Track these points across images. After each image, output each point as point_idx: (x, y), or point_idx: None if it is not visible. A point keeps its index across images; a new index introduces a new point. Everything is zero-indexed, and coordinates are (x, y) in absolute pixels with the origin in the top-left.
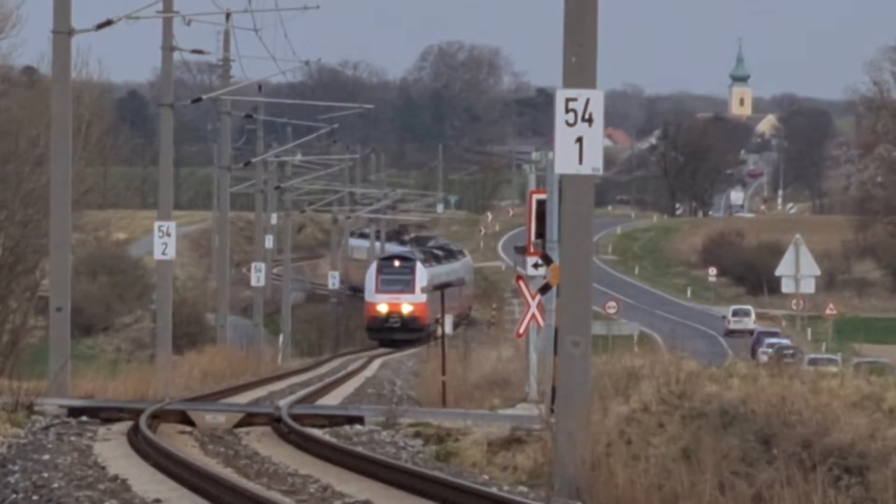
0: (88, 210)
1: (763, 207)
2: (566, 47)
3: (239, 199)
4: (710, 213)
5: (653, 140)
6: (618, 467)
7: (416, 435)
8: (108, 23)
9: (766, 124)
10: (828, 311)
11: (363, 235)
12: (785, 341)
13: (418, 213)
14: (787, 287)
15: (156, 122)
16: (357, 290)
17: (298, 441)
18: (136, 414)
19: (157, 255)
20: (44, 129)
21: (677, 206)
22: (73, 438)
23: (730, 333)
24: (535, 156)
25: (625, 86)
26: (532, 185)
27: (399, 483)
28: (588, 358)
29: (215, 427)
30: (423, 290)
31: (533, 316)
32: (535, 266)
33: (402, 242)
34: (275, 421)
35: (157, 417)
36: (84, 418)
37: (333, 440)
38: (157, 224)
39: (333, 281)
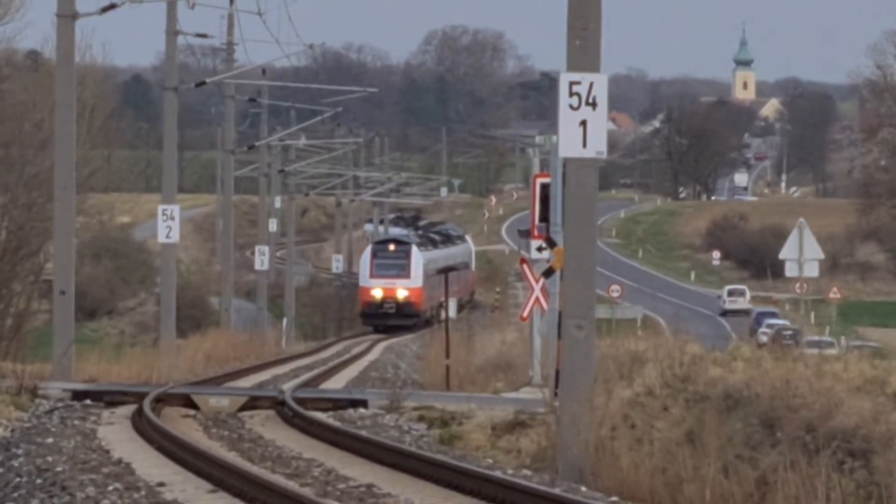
0: (92, 193)
1: (767, 191)
2: (570, 31)
3: (243, 183)
4: (715, 196)
5: (656, 124)
6: (622, 451)
7: (420, 418)
8: (112, 6)
9: (770, 108)
10: (831, 295)
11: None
12: (784, 322)
13: (422, 197)
14: (790, 271)
15: (160, 106)
16: None
17: (302, 425)
18: (139, 397)
19: (161, 239)
20: (48, 113)
21: (681, 189)
22: (76, 422)
23: (725, 313)
24: (538, 139)
25: (629, 70)
26: (536, 169)
27: (403, 466)
28: (592, 341)
29: (219, 411)
30: (419, 275)
31: (537, 299)
32: (539, 249)
33: (416, 228)
34: (279, 404)
35: (161, 401)
36: (88, 402)
37: (337, 424)
38: (160, 207)
39: (337, 264)
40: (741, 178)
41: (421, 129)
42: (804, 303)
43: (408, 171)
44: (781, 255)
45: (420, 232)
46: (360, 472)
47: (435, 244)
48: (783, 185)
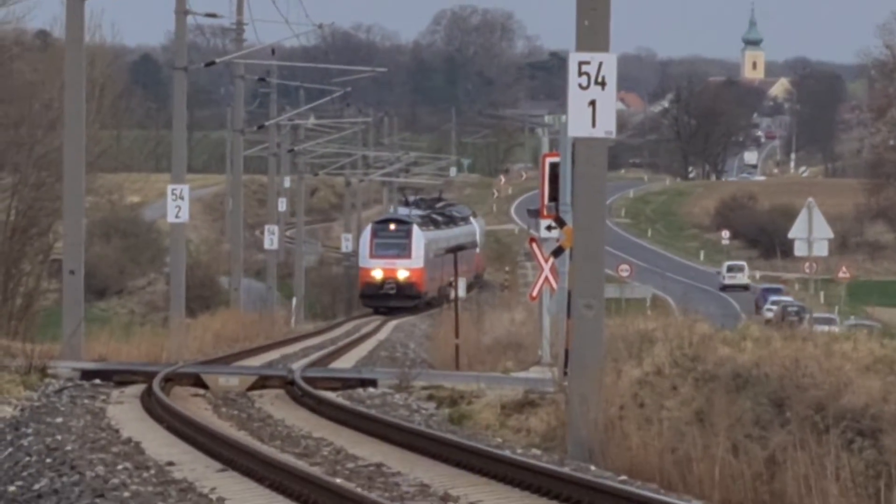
0: (102, 173)
1: (776, 171)
2: (579, 11)
3: (252, 163)
4: (724, 177)
5: (665, 104)
6: (631, 430)
7: (430, 398)
8: None
9: (779, 88)
10: (840, 275)
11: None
12: (789, 299)
13: (431, 177)
14: (799, 250)
15: (169, 86)
16: None
17: (311, 404)
18: (149, 377)
19: (171, 218)
20: (57, 93)
21: (690, 169)
22: (86, 401)
23: (724, 288)
24: (547, 119)
25: (638, 49)
26: (545, 149)
27: (412, 446)
28: (601, 321)
29: (228, 390)
30: (420, 255)
31: (546, 279)
32: (549, 229)
33: (420, 208)
34: (288, 384)
35: (171, 380)
36: (97, 381)
37: (346, 403)
38: (170, 187)
39: (346, 244)
40: (751, 157)
41: (430, 109)
42: (813, 282)
43: (417, 150)
44: (791, 235)
45: (422, 212)
46: (369, 451)
47: (437, 224)
48: (792, 164)
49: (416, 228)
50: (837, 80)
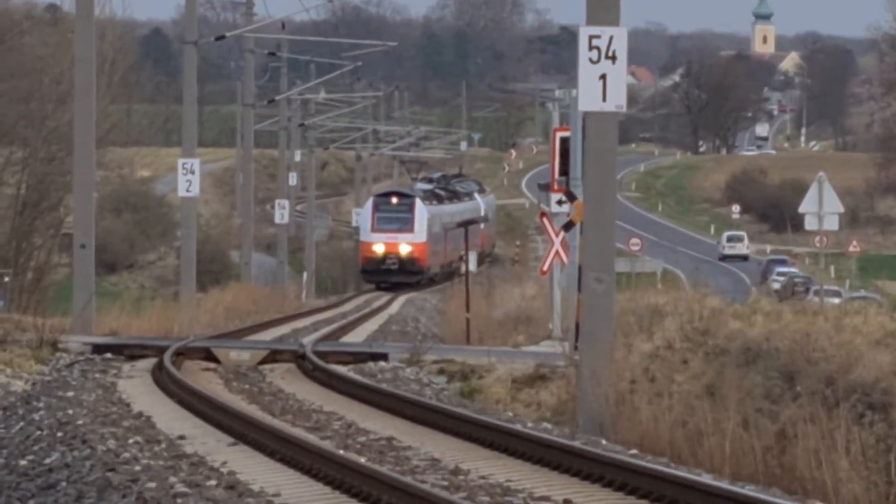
0: (112, 147)
1: (786, 145)
2: None
3: (263, 137)
4: (736, 151)
5: (676, 78)
6: (641, 404)
7: (441, 372)
8: None
9: (789, 62)
10: (851, 249)
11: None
12: (794, 270)
13: (442, 151)
14: (810, 224)
15: (179, 60)
16: None
17: (323, 378)
18: (160, 351)
19: (181, 193)
20: (67, 67)
21: (700, 143)
22: (97, 375)
23: (724, 258)
24: (558, 93)
25: (648, 24)
26: (556, 123)
27: (423, 420)
28: (612, 295)
29: (239, 364)
30: (423, 230)
31: (557, 253)
32: (559, 203)
33: (429, 182)
34: (299, 358)
35: (182, 354)
36: (108, 355)
37: (357, 377)
38: (180, 161)
39: (357, 218)
40: (762, 129)
41: (440, 83)
42: (824, 256)
43: (427, 125)
44: (801, 209)
45: (428, 185)
46: (380, 425)
47: (440, 199)
48: (802, 139)
49: (419, 202)
50: (848, 54)
